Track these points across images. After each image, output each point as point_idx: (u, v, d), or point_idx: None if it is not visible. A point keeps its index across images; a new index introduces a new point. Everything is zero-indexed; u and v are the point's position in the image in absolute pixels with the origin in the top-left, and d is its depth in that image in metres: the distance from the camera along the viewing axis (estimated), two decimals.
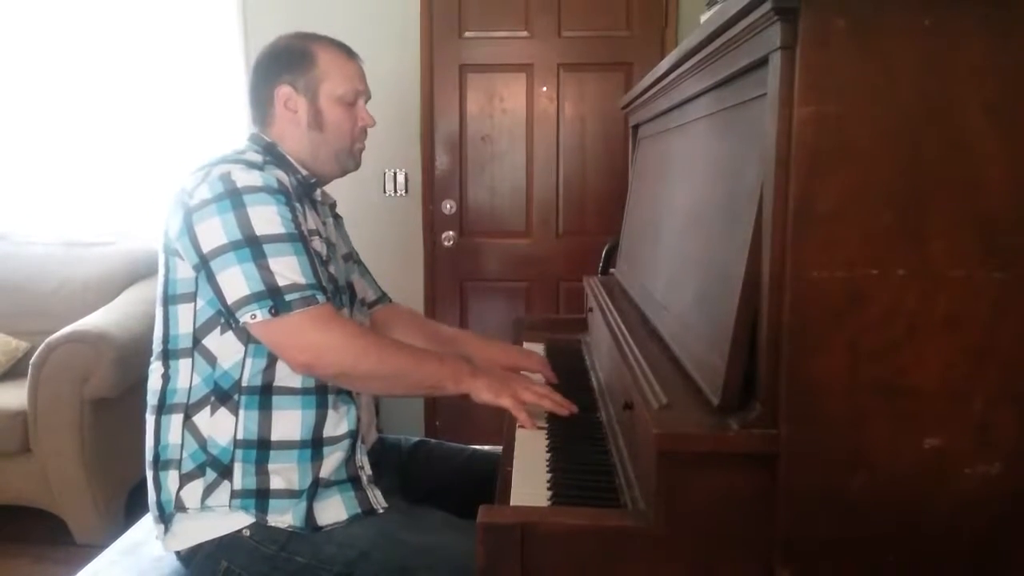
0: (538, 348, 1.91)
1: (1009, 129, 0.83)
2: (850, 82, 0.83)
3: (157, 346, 1.35)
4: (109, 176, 3.19)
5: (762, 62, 0.91)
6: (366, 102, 1.50)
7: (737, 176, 1.04)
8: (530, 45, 3.07)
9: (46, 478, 2.44)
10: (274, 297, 1.23)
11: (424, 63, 3.08)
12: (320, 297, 1.26)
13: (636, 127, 2.02)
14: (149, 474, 1.34)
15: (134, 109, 3.14)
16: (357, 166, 1.52)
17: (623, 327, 1.39)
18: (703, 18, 1.65)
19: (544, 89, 3.09)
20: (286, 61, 1.44)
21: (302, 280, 1.25)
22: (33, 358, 2.39)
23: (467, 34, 3.08)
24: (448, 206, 3.15)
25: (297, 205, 1.33)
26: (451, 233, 3.16)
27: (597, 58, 3.06)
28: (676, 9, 3.00)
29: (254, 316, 1.23)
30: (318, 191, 1.50)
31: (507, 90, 3.11)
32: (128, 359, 2.40)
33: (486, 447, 1.74)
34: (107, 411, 2.45)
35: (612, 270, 2.07)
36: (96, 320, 2.52)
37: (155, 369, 1.35)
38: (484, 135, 3.13)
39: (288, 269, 1.24)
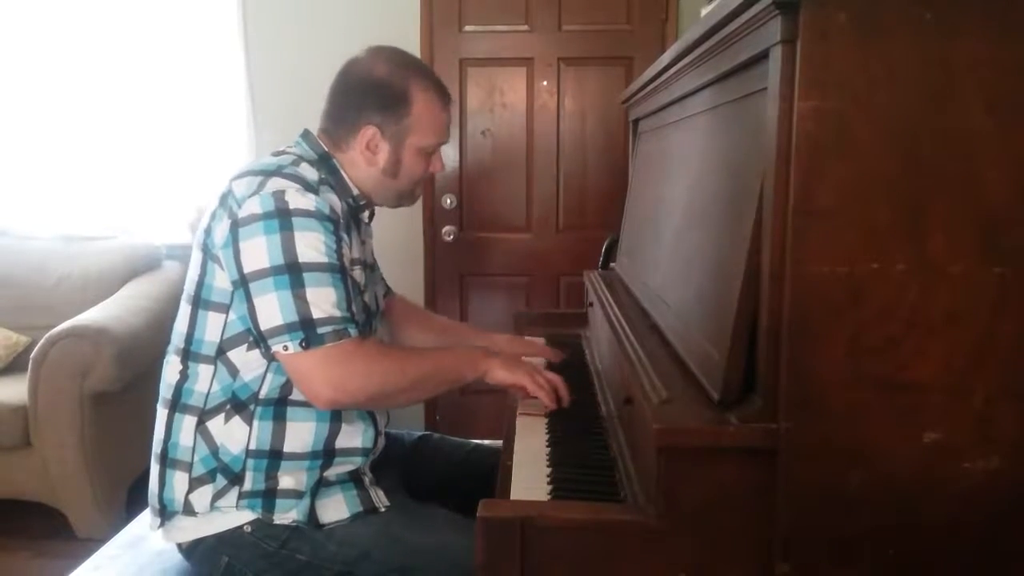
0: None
1: (1009, 124, 0.83)
2: (851, 77, 0.83)
3: (178, 342, 1.34)
4: (109, 171, 3.18)
5: (763, 56, 0.91)
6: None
7: (737, 171, 1.04)
8: (530, 39, 3.06)
9: (47, 472, 2.44)
10: (306, 329, 1.21)
11: (424, 57, 3.06)
12: (352, 331, 1.24)
13: (636, 121, 2.02)
14: (155, 467, 1.34)
15: (134, 104, 3.13)
16: (413, 203, 1.52)
17: (623, 322, 1.39)
18: (704, 12, 1.64)
19: (544, 83, 3.09)
20: (380, 99, 1.38)
21: (337, 313, 1.23)
22: (33, 353, 2.39)
23: (467, 28, 3.07)
24: (448, 201, 3.15)
25: (344, 235, 1.30)
26: (451, 228, 3.16)
27: (597, 52, 3.06)
28: (677, 3, 2.99)
29: (286, 347, 1.21)
30: (366, 212, 1.47)
31: (507, 84, 3.10)
32: (128, 354, 2.41)
33: (487, 441, 1.74)
34: (107, 405, 2.45)
35: (612, 265, 2.07)
36: (96, 315, 2.52)
37: (172, 363, 1.34)
38: (484, 129, 3.13)
39: (325, 301, 1.22)
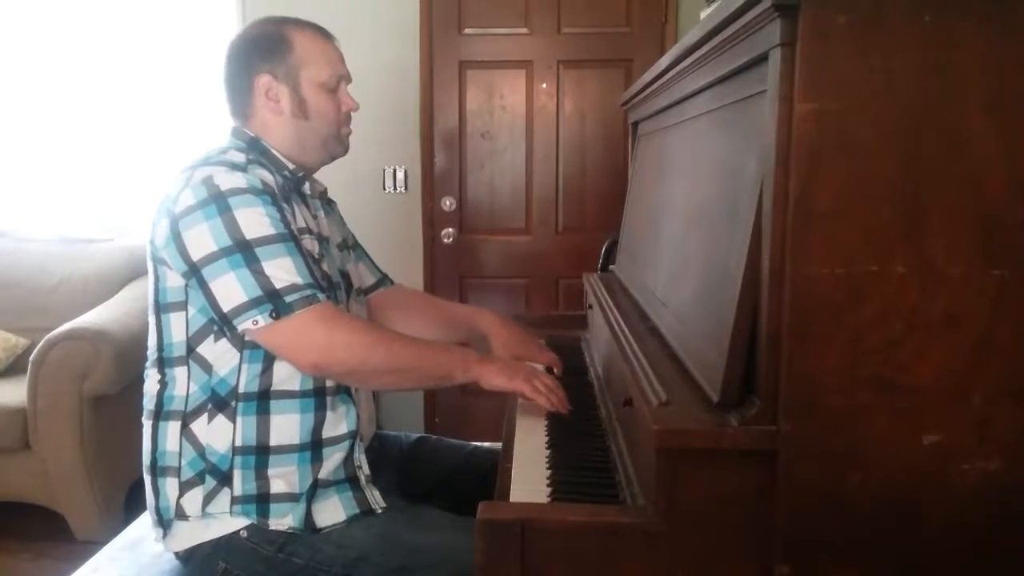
0: None
1: (1008, 126, 0.83)
2: (850, 79, 0.83)
3: (152, 353, 1.34)
4: (108, 173, 3.19)
5: (762, 59, 0.91)
6: (347, 85, 1.46)
7: (737, 173, 1.04)
8: (530, 41, 3.07)
9: (46, 475, 2.44)
10: (274, 300, 1.21)
11: (424, 59, 3.07)
12: (320, 296, 1.25)
13: (636, 124, 2.02)
14: (147, 479, 1.34)
15: (133, 105, 3.14)
16: (346, 151, 1.48)
17: (623, 324, 1.39)
18: (703, 14, 1.64)
19: (544, 86, 3.09)
20: (262, 48, 1.39)
21: (299, 280, 1.23)
22: (32, 355, 2.39)
23: (467, 30, 3.08)
24: (448, 203, 3.15)
25: (284, 205, 1.30)
26: (451, 230, 3.16)
27: (597, 54, 3.06)
28: (676, 5, 3.00)
29: (256, 322, 1.21)
30: (306, 184, 1.45)
31: (507, 86, 3.11)
32: (127, 356, 2.40)
33: (486, 444, 1.74)
34: (107, 408, 2.45)
35: (612, 267, 2.07)
36: (95, 317, 2.53)
37: (151, 375, 1.34)
38: (484, 132, 3.13)
39: (283, 271, 1.22)
